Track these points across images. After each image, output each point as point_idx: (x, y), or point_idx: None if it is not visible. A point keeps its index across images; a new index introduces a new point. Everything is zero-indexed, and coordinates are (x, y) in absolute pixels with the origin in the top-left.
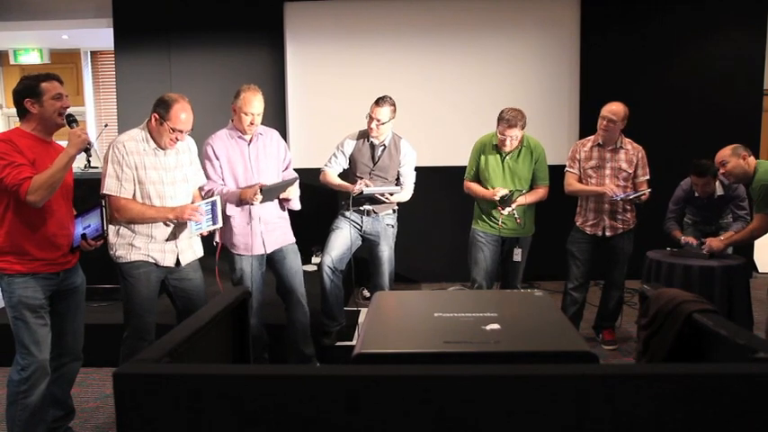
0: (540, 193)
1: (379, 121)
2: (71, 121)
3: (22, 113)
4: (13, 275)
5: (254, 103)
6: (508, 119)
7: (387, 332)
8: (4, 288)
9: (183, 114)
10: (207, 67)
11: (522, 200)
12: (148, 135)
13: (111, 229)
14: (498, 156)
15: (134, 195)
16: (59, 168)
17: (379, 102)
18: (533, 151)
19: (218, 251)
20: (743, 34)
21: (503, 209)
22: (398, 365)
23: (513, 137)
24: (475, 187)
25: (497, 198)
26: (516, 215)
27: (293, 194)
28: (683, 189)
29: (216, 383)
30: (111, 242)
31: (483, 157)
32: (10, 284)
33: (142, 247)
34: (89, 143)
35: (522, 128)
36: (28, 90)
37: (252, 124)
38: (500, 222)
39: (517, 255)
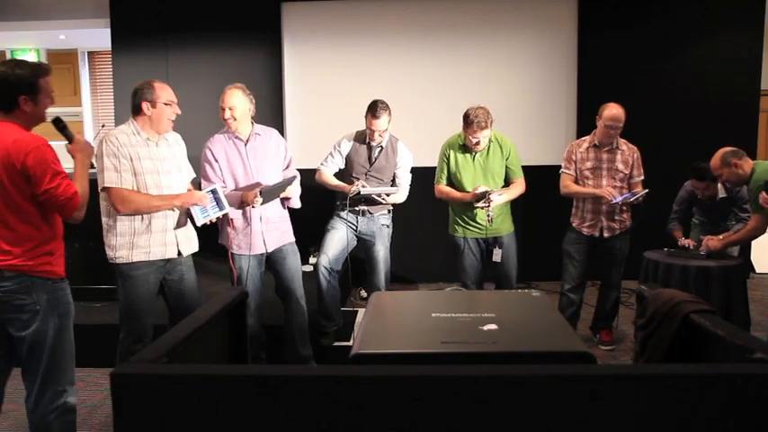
0: (518, 186)
1: (379, 131)
2: (62, 127)
3: (9, 108)
4: (57, 281)
5: (226, 96)
6: (479, 121)
7: (384, 332)
8: (46, 296)
9: (165, 86)
10: (204, 68)
11: (504, 197)
12: (137, 128)
13: (109, 230)
14: (468, 155)
15: (132, 187)
16: (88, 180)
17: (376, 113)
18: (502, 146)
19: (230, 237)
20: (740, 35)
21: (479, 203)
22: (396, 366)
23: (485, 137)
24: (449, 191)
25: (479, 192)
26: (490, 213)
27: (293, 193)
28: (686, 190)
29: (213, 384)
30: (110, 244)
31: (453, 159)
32: (56, 290)
33: (144, 245)
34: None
35: (491, 125)
36: (25, 86)
37: (231, 119)
38: (488, 218)
39: (497, 255)
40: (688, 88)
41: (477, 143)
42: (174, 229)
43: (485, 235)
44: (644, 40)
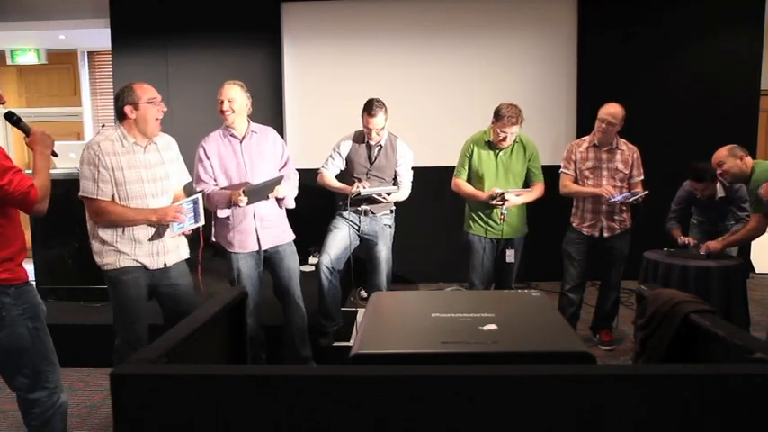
0: (538, 190)
1: (377, 129)
2: (16, 121)
3: None
4: (20, 285)
5: (224, 89)
6: (509, 116)
7: (384, 332)
8: (10, 301)
9: (144, 85)
10: (204, 68)
11: (522, 199)
12: (125, 133)
13: (94, 236)
14: (491, 152)
15: (113, 197)
16: (49, 172)
17: (372, 111)
18: (526, 148)
19: (200, 251)
20: (740, 34)
21: (494, 201)
22: (396, 366)
23: (512, 133)
24: (466, 187)
25: (494, 193)
26: (503, 212)
27: (285, 192)
28: (684, 190)
29: (213, 384)
30: (96, 250)
31: (476, 155)
32: (21, 294)
33: (129, 252)
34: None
35: (521, 123)
36: None
37: (230, 111)
38: (501, 216)
39: (510, 256)
40: (688, 88)
41: (504, 139)
42: (151, 240)
43: (500, 235)
44: (644, 40)
